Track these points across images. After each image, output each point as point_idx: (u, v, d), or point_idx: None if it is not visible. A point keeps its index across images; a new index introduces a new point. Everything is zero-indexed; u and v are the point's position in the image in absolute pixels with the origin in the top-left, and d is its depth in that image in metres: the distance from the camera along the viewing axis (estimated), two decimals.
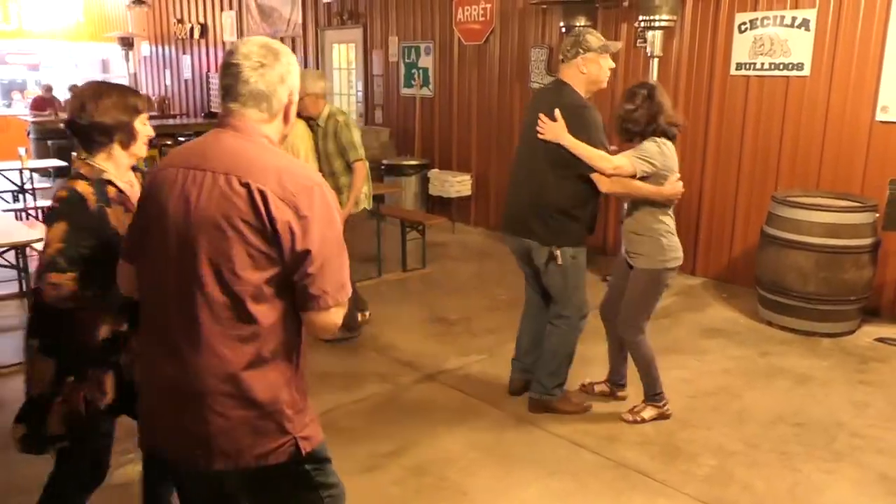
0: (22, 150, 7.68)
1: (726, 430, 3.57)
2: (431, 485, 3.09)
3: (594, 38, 3.46)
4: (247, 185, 1.57)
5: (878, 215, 4.71)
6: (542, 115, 3.41)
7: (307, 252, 1.58)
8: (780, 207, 4.88)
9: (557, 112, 3.37)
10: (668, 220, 3.47)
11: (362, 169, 4.65)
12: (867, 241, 4.68)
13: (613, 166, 3.34)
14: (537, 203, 3.49)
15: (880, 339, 4.76)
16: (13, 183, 7.62)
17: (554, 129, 3.37)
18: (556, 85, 3.54)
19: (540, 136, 3.42)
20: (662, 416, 3.65)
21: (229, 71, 1.68)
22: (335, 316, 1.66)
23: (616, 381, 3.86)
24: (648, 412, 3.64)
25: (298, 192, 1.59)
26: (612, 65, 3.54)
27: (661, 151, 3.37)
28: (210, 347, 1.62)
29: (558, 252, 3.47)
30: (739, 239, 5.89)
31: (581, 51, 3.43)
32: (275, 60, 1.69)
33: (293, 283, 1.62)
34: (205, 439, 1.66)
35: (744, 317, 5.22)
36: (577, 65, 3.44)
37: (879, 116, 5.03)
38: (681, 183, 3.44)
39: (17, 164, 7.48)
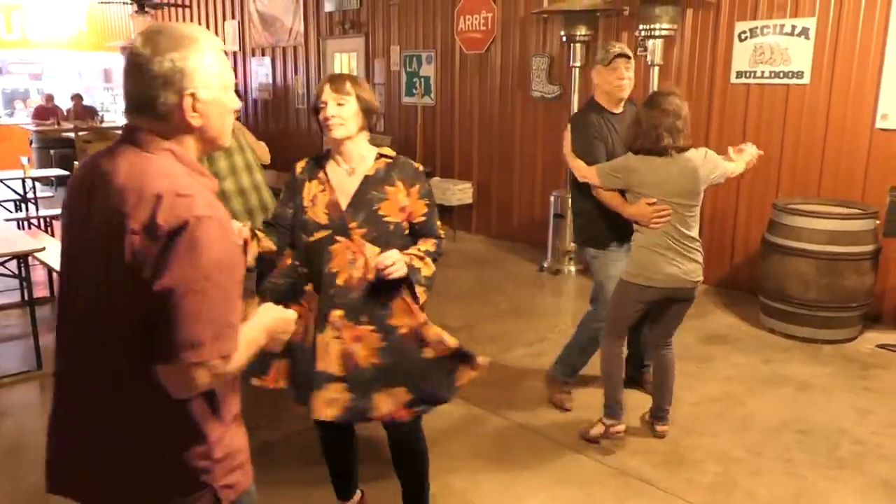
0: (24, 160, 7.71)
1: (730, 438, 3.58)
2: (436, 493, 3.08)
3: (601, 51, 3.65)
4: (121, 220, 1.36)
5: (878, 222, 4.72)
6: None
7: (158, 292, 1.34)
8: (781, 215, 4.90)
9: (569, 125, 3.69)
10: (649, 236, 3.27)
11: None
12: (868, 248, 4.69)
13: (581, 175, 3.50)
14: (571, 207, 3.95)
15: (882, 346, 4.77)
16: (15, 192, 7.64)
17: (564, 140, 3.66)
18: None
19: None
20: (607, 436, 3.44)
21: (123, 76, 1.44)
22: (190, 376, 1.37)
23: (654, 414, 3.61)
24: (595, 429, 3.48)
25: (167, 223, 1.34)
26: (621, 75, 3.53)
27: (628, 167, 3.27)
28: (114, 391, 1.46)
29: (584, 251, 3.79)
30: (741, 246, 5.90)
31: (595, 64, 3.67)
32: (154, 53, 1.39)
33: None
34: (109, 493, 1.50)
35: (746, 324, 5.23)
36: (592, 77, 3.70)
37: (879, 124, 5.05)
38: (652, 209, 3.22)
39: (20, 174, 7.50)
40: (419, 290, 2.41)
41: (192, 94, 1.43)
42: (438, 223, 2.54)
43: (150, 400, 1.42)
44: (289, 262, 2.49)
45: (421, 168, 2.54)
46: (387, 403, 2.44)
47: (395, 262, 2.27)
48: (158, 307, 1.35)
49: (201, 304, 1.35)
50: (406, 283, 2.38)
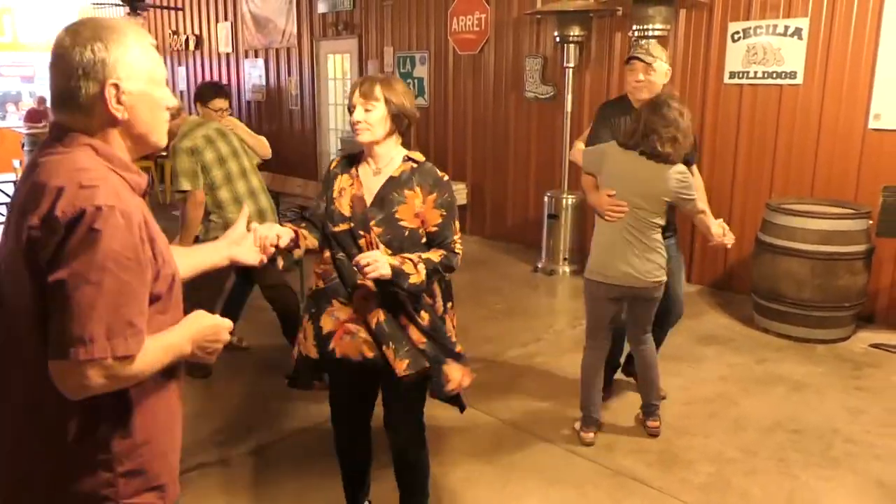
0: (17, 163, 7.69)
1: (724, 438, 3.58)
2: (430, 495, 3.08)
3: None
4: (25, 215, 1.33)
5: (871, 222, 4.73)
6: None
7: (51, 283, 1.30)
8: (774, 215, 4.91)
9: None
10: (600, 229, 3.38)
11: (188, 206, 3.94)
12: (861, 248, 4.71)
13: (572, 156, 3.70)
14: None
15: (875, 345, 4.78)
16: (7, 196, 7.62)
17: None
18: None
19: None
20: (580, 440, 3.50)
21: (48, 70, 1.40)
22: (81, 374, 1.30)
23: (644, 411, 3.64)
24: (575, 430, 3.58)
25: (65, 215, 1.29)
26: (636, 77, 3.52)
27: (605, 151, 3.35)
28: (15, 390, 1.44)
29: None
30: (734, 246, 5.87)
31: None
32: (73, 45, 1.36)
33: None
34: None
35: (739, 324, 5.24)
36: None
37: (872, 124, 5.06)
38: (609, 201, 3.26)
39: (12, 177, 7.48)
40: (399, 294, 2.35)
41: (115, 85, 1.38)
42: (456, 237, 2.50)
43: (51, 400, 1.36)
44: (326, 254, 2.50)
45: (445, 177, 2.51)
46: (456, 371, 2.54)
47: (370, 263, 2.22)
48: (52, 300, 1.30)
49: (95, 298, 1.28)
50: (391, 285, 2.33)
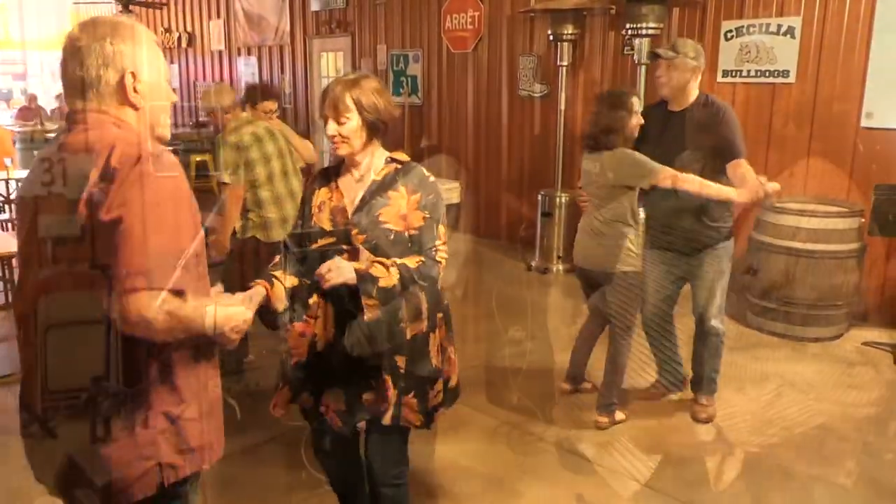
0: (8, 161, 7.64)
1: (717, 435, 3.59)
2: (425, 494, 3.09)
3: None
4: (83, 179, 1.42)
5: (863, 220, 4.75)
6: None
7: (106, 222, 1.39)
8: (767, 213, 4.92)
9: None
10: (582, 220, 3.62)
11: (228, 195, 3.99)
12: (854, 247, 4.72)
13: None
14: None
15: (867, 344, 4.80)
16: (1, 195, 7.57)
17: None
18: None
19: None
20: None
21: (61, 65, 1.53)
22: (132, 304, 1.39)
23: (597, 402, 3.71)
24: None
25: (121, 164, 1.41)
26: (659, 73, 3.49)
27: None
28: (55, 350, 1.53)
29: None
30: None
31: None
32: (91, 40, 1.48)
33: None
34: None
35: (732, 322, 5.24)
36: None
37: (864, 122, 5.08)
38: (577, 192, 3.71)
39: (3, 175, 7.43)
40: (367, 302, 2.13)
41: (133, 74, 1.51)
42: (439, 243, 2.27)
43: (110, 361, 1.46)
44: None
45: (432, 178, 2.34)
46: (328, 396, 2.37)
47: (330, 269, 2.09)
48: (110, 239, 1.38)
49: (151, 234, 1.40)
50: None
